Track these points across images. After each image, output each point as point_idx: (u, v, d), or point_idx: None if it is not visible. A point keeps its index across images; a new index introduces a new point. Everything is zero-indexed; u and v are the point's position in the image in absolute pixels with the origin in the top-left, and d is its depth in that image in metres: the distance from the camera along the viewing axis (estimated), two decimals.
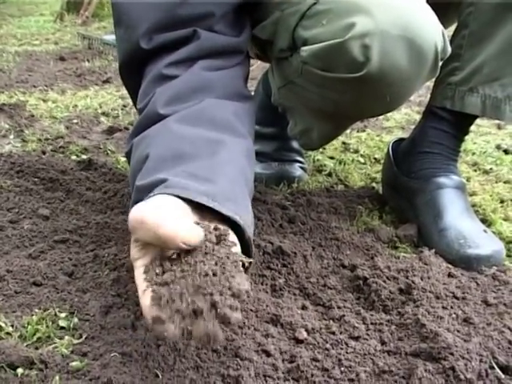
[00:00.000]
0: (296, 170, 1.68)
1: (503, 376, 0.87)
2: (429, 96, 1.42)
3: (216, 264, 0.76)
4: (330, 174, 1.76)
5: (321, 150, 1.93)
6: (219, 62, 1.10)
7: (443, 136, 1.38)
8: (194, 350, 0.90)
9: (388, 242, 1.32)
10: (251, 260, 0.83)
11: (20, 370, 0.84)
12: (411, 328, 0.98)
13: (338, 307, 1.05)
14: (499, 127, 2.34)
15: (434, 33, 1.06)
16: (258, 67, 2.57)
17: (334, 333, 0.97)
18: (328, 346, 0.94)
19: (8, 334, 0.93)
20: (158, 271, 0.78)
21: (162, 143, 0.96)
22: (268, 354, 0.91)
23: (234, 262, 0.77)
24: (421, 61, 1.07)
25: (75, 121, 2.18)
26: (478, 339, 0.94)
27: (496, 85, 1.28)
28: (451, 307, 1.04)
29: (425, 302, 1.04)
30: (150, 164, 0.94)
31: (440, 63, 1.11)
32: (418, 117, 2.24)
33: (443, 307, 1.04)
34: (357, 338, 0.97)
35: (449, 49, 1.12)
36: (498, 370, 0.88)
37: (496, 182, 1.74)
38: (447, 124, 1.37)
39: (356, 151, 1.98)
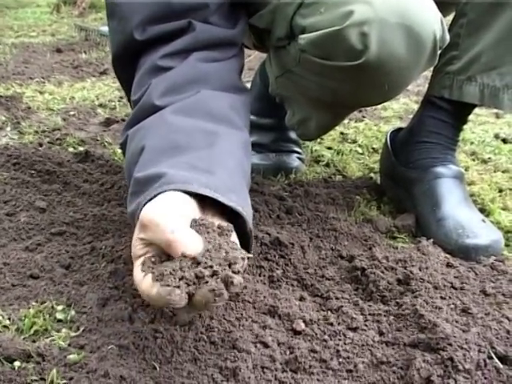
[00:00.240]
0: (294, 161, 1.67)
1: (502, 366, 0.87)
2: (427, 85, 1.42)
3: (213, 247, 0.79)
4: (327, 165, 1.76)
5: (318, 140, 1.93)
6: (215, 54, 1.09)
7: (441, 125, 1.37)
8: (191, 343, 0.90)
9: (386, 233, 1.32)
10: (250, 255, 0.84)
11: (17, 363, 0.84)
12: (409, 318, 0.98)
13: (336, 298, 1.05)
14: (497, 116, 2.33)
15: (432, 21, 1.06)
16: (255, 57, 2.56)
17: (331, 324, 0.97)
18: (326, 337, 0.94)
19: (5, 327, 0.93)
20: (154, 260, 0.80)
21: (159, 134, 0.96)
22: (266, 345, 0.91)
23: (231, 244, 0.82)
24: (419, 49, 1.06)
25: (72, 113, 2.17)
26: (477, 329, 0.93)
27: (494, 74, 1.27)
28: (449, 297, 1.04)
29: (423, 293, 1.04)
30: (147, 155, 0.94)
31: (439, 51, 1.11)
32: (416, 106, 2.23)
33: (441, 297, 1.04)
34: (355, 329, 0.96)
35: (447, 37, 1.11)
36: (496, 359, 0.88)
37: (494, 172, 1.73)
38: (445, 113, 1.36)
39: (354, 141, 1.97)
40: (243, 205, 0.88)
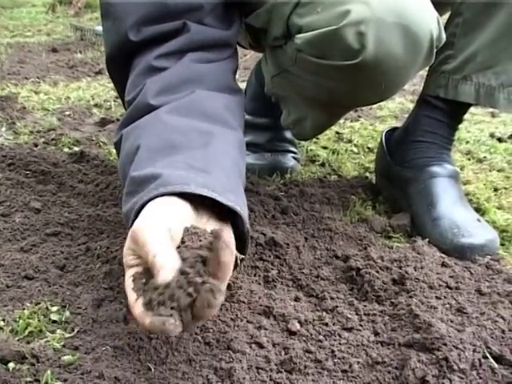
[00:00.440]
0: (289, 161, 1.67)
1: (497, 366, 0.87)
2: (422, 85, 1.42)
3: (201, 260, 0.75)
4: (323, 164, 1.75)
5: (314, 140, 1.92)
6: (209, 55, 1.09)
7: (437, 125, 1.37)
8: (186, 344, 0.90)
9: (381, 232, 1.32)
10: (243, 256, 0.83)
11: (11, 365, 0.83)
12: (404, 318, 0.98)
13: (331, 298, 1.05)
14: (493, 115, 2.34)
15: (429, 20, 1.06)
16: (251, 57, 2.56)
17: (326, 324, 0.97)
18: (321, 337, 0.94)
19: None
20: (145, 281, 0.78)
21: (154, 133, 0.96)
22: (261, 346, 0.91)
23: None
24: (416, 48, 1.06)
25: (67, 113, 2.17)
26: (472, 329, 0.93)
27: (489, 73, 1.27)
28: (444, 297, 1.04)
29: (418, 293, 1.04)
30: (143, 154, 0.94)
31: (435, 51, 1.11)
32: (411, 106, 2.23)
33: (436, 297, 1.04)
34: (350, 329, 0.96)
35: (444, 36, 1.11)
36: (491, 359, 0.88)
37: (490, 171, 1.74)
38: (441, 113, 1.36)
39: (349, 141, 1.97)
40: (240, 204, 0.87)
